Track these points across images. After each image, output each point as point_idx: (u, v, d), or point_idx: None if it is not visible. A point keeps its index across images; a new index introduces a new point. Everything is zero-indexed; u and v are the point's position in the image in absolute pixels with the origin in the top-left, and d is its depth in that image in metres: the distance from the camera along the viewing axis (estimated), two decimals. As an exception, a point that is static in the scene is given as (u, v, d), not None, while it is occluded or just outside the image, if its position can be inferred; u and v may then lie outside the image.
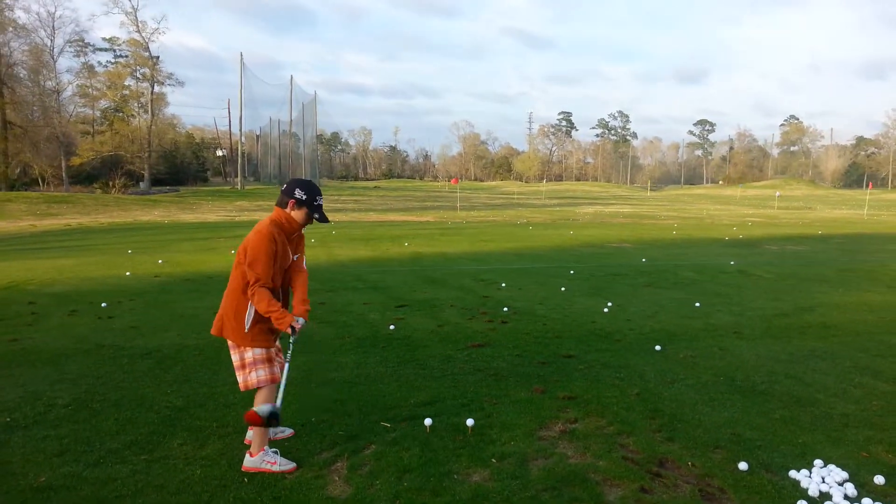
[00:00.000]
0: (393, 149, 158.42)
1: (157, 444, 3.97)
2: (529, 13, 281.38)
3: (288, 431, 4.13)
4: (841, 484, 3.49)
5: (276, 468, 3.60)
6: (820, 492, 3.42)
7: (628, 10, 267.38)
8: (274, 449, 3.75)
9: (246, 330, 3.64)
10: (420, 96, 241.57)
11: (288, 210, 3.69)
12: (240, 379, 3.72)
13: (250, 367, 3.70)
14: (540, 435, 4.19)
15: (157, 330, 7.03)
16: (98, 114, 63.81)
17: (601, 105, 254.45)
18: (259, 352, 3.72)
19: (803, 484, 3.51)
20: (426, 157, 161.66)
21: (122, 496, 3.31)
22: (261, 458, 3.63)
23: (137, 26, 57.01)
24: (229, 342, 3.73)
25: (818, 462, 3.74)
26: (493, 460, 3.78)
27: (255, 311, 3.63)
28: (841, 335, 7.11)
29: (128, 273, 11.17)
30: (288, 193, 3.68)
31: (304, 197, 3.67)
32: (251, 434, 3.95)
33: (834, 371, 5.72)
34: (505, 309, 8.36)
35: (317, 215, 3.75)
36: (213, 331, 3.76)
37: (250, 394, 4.04)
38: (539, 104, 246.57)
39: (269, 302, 3.55)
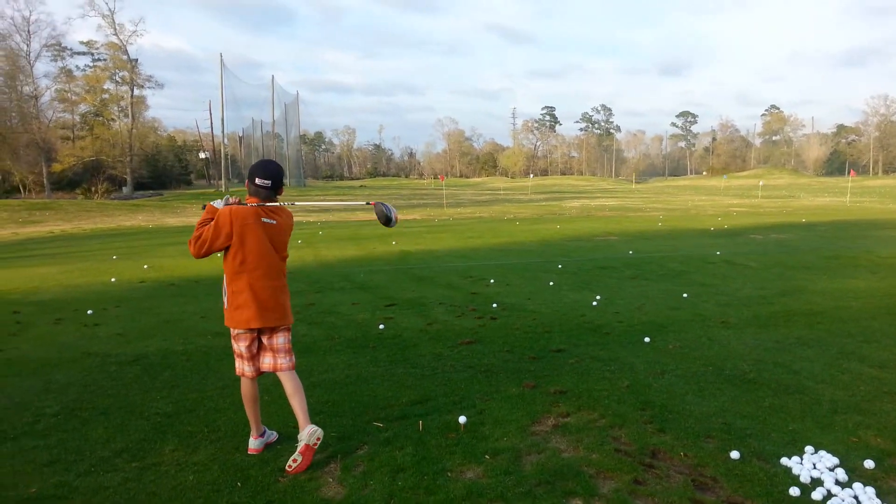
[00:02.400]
0: (377, 147, 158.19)
1: (147, 451, 3.94)
2: (510, 8, 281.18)
3: (274, 435, 4.10)
4: (832, 469, 3.53)
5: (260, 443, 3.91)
6: (811, 478, 3.45)
7: (609, 4, 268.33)
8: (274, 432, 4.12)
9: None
10: (403, 94, 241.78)
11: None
12: (289, 360, 3.92)
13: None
14: (532, 430, 4.20)
15: (143, 336, 6.97)
16: (78, 118, 63.12)
17: (584, 99, 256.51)
18: None
19: (795, 471, 3.54)
20: (411, 154, 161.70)
21: (113, 505, 3.27)
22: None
23: (115, 29, 56.62)
24: (282, 326, 3.89)
25: (809, 448, 3.77)
26: (487, 457, 3.78)
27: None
28: (827, 322, 7.19)
29: (113, 279, 11.07)
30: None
31: (248, 174, 3.87)
32: (256, 444, 3.90)
33: (821, 358, 5.78)
34: (494, 305, 8.37)
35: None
36: (271, 322, 3.79)
37: (239, 398, 4.06)
38: (522, 99, 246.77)
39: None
